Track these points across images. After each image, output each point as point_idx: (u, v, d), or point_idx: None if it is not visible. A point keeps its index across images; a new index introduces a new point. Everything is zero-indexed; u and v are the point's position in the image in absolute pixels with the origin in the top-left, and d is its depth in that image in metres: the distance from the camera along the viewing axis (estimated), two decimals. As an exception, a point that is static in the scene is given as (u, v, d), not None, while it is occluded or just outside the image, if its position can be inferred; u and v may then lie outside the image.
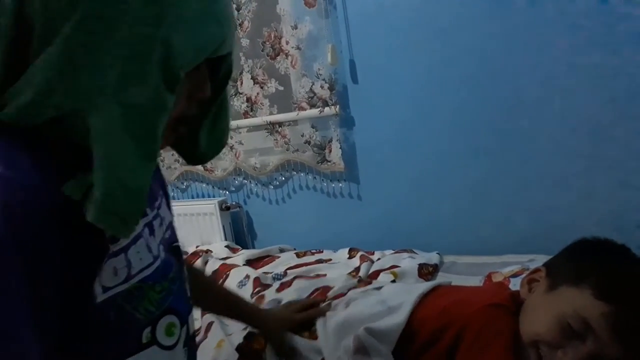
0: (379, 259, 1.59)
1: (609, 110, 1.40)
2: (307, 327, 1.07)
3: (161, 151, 0.67)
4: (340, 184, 1.89)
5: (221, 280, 1.58)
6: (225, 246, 1.98)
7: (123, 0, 0.43)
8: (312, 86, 1.79)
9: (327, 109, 1.77)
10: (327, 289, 1.19)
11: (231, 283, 1.53)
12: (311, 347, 1.02)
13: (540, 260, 1.27)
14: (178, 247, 0.68)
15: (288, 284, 1.31)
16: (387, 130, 1.74)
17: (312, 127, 1.84)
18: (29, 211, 0.42)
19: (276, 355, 1.03)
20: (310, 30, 1.75)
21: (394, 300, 0.99)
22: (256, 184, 2.10)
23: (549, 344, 0.80)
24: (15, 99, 0.45)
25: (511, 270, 1.33)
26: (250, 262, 1.73)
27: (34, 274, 0.43)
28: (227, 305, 1.02)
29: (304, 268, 1.59)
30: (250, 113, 1.98)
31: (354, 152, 1.83)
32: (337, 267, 1.58)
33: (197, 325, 1.37)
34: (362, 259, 1.59)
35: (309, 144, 1.86)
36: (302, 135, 1.87)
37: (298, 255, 1.75)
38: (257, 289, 1.41)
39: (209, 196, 2.25)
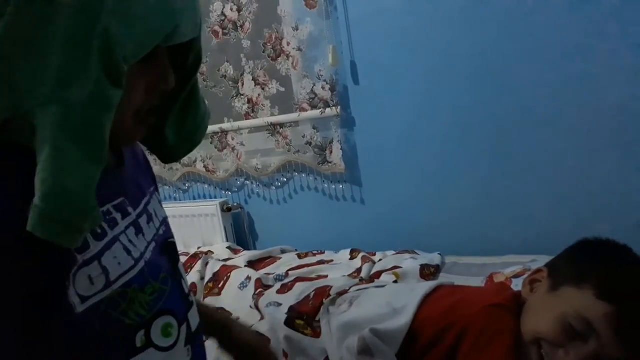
0: (380, 259, 1.59)
1: (614, 112, 1.40)
2: (309, 323, 1.08)
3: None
4: (342, 185, 1.89)
5: (222, 282, 1.57)
6: (227, 247, 1.98)
7: None
8: (313, 87, 1.79)
9: (328, 110, 1.77)
10: (328, 287, 1.19)
11: (232, 285, 1.53)
12: (314, 344, 1.02)
13: (542, 261, 1.26)
14: (173, 243, 0.66)
15: (289, 286, 1.31)
16: (389, 131, 1.74)
17: (314, 128, 1.84)
18: None
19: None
20: (311, 31, 1.75)
21: (398, 301, 0.99)
22: (257, 185, 2.10)
23: (551, 343, 0.80)
24: None
25: (513, 271, 1.33)
26: (251, 263, 1.73)
27: None
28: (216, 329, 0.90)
29: (305, 269, 1.59)
30: (252, 114, 1.98)
31: (355, 153, 1.83)
32: (339, 268, 1.58)
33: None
34: (364, 260, 1.59)
35: (310, 145, 1.87)
36: (304, 137, 1.87)
37: (299, 257, 1.75)
38: (258, 290, 1.41)
39: (210, 197, 2.25)
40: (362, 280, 1.33)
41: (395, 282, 1.37)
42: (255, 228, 2.16)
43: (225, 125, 2.04)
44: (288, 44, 1.80)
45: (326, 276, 1.49)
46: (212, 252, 1.95)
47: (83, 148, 0.42)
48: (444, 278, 1.44)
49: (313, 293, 1.18)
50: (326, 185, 1.92)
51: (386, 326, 0.92)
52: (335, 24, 1.73)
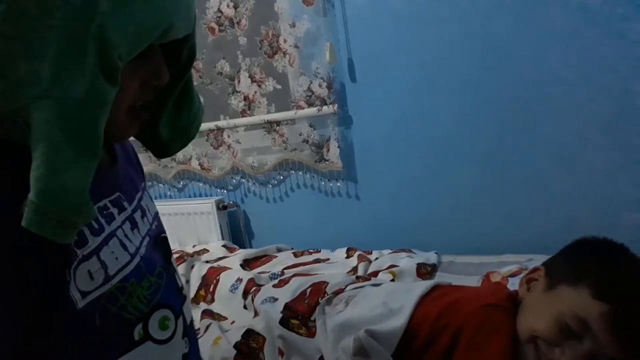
0: (376, 258, 1.58)
1: (610, 111, 1.40)
2: (304, 322, 1.07)
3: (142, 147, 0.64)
4: (338, 183, 1.88)
5: (212, 287, 1.53)
6: (223, 245, 1.97)
7: None
8: (310, 85, 1.78)
9: (325, 107, 1.76)
10: (324, 283, 1.19)
11: (222, 288, 1.49)
12: (308, 344, 1.01)
13: (538, 260, 1.26)
14: (165, 238, 0.67)
15: (286, 280, 1.30)
16: (386, 129, 1.74)
17: (310, 125, 1.83)
18: None
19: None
20: (308, 28, 1.74)
21: (394, 301, 0.99)
22: (254, 183, 2.09)
23: (547, 341, 0.80)
24: None
25: (509, 270, 1.33)
26: (247, 262, 1.72)
27: None
28: None
29: (301, 267, 1.58)
30: (248, 112, 1.97)
31: (352, 151, 1.82)
32: (335, 267, 1.58)
33: (195, 326, 1.36)
34: (360, 258, 1.58)
35: (306, 143, 1.86)
36: (300, 134, 1.86)
37: (295, 255, 1.74)
38: (253, 288, 1.39)
39: (206, 195, 2.24)
40: (358, 278, 1.33)
41: (393, 280, 1.37)
42: (251, 226, 2.15)
43: (221, 123, 2.03)
44: (285, 41, 1.79)
45: (322, 274, 1.48)
46: (208, 250, 1.94)
47: (78, 145, 0.43)
48: (440, 277, 1.43)
49: (309, 290, 1.18)
50: (323, 183, 1.92)
51: (382, 327, 0.92)
52: (332, 21, 1.72)
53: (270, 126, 1.92)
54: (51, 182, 0.42)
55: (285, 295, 1.19)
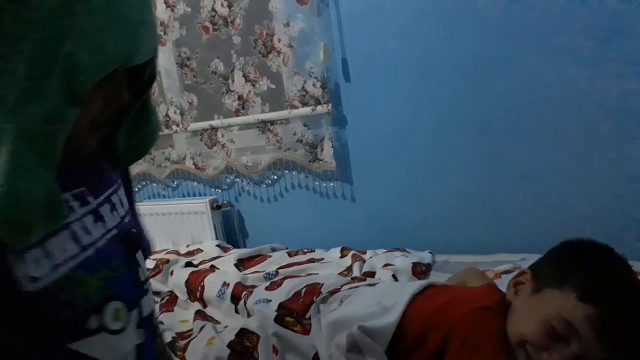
0: (371, 257, 1.59)
1: (605, 110, 1.41)
2: (299, 320, 1.07)
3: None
4: (332, 183, 1.88)
5: (199, 293, 1.48)
6: (216, 245, 1.96)
7: (27, 17, 0.43)
8: (304, 84, 1.78)
9: (319, 107, 1.76)
10: (319, 284, 1.19)
11: (209, 294, 1.45)
12: (303, 341, 1.02)
13: (531, 259, 1.26)
14: (134, 233, 0.69)
15: (278, 283, 1.30)
16: (380, 128, 1.74)
17: (304, 125, 1.83)
18: None
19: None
20: (302, 28, 1.74)
21: (388, 299, 0.99)
22: (248, 183, 2.08)
23: (535, 346, 0.80)
24: None
25: (502, 269, 1.33)
26: (241, 262, 1.72)
27: None
28: None
29: (295, 267, 1.58)
30: (242, 111, 1.96)
31: (346, 151, 1.83)
32: (329, 267, 1.58)
33: (189, 327, 1.35)
34: (354, 258, 1.58)
35: (301, 143, 1.85)
36: (294, 134, 1.86)
37: (290, 255, 1.74)
38: (244, 292, 1.37)
39: (199, 195, 2.23)
40: (353, 279, 1.33)
41: (394, 276, 1.37)
42: (245, 226, 2.15)
43: (215, 122, 2.02)
44: (279, 40, 1.79)
45: (316, 274, 1.48)
46: (202, 250, 1.94)
47: (38, 160, 0.46)
48: (434, 276, 1.44)
49: (304, 290, 1.18)
50: (317, 183, 1.92)
51: (374, 324, 0.93)
52: (326, 20, 1.72)
53: (264, 126, 1.92)
54: (10, 191, 0.44)
55: (279, 296, 1.19)
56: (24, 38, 0.44)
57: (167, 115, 2.16)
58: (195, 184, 2.24)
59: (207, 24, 1.96)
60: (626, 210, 1.42)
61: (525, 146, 1.53)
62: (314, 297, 1.10)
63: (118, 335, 0.60)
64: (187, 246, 2.03)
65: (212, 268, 1.65)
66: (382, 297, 1.01)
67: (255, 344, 1.10)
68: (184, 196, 2.28)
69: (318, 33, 1.72)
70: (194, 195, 2.25)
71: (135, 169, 2.27)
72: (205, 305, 1.47)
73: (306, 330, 1.04)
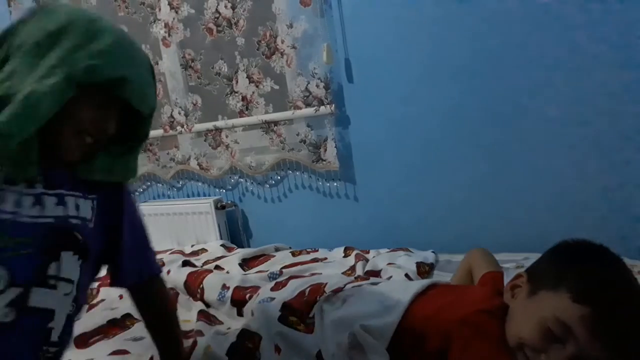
0: (374, 257, 1.59)
1: (608, 108, 1.41)
2: (302, 319, 1.08)
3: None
4: (336, 183, 1.89)
5: (199, 295, 1.46)
6: (221, 245, 1.97)
7: (58, 40, 0.73)
8: (307, 85, 1.79)
9: (322, 108, 1.77)
10: (323, 284, 1.19)
11: (209, 297, 1.43)
12: (306, 340, 1.02)
13: (534, 258, 1.26)
14: (74, 235, 0.77)
15: (283, 283, 1.30)
16: (383, 129, 1.75)
17: (308, 126, 1.84)
18: None
19: None
20: (305, 29, 1.75)
21: (390, 298, 0.99)
22: (252, 183, 2.10)
23: (532, 348, 0.80)
24: None
25: (505, 268, 1.33)
26: (245, 261, 1.73)
27: None
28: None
29: (299, 267, 1.58)
30: (246, 112, 1.97)
31: (350, 151, 1.83)
32: (333, 266, 1.58)
33: (191, 327, 1.34)
34: (358, 257, 1.59)
35: (304, 143, 1.86)
36: (298, 134, 1.87)
37: (293, 254, 1.75)
38: (248, 294, 1.35)
39: (204, 195, 2.25)
40: (357, 278, 1.33)
41: (407, 275, 1.37)
42: (249, 226, 2.16)
43: (219, 123, 2.04)
44: (282, 41, 1.80)
45: (320, 274, 1.48)
46: (206, 250, 1.95)
47: (26, 112, 0.68)
48: (437, 276, 1.44)
49: (308, 289, 1.18)
50: (320, 183, 1.92)
51: (376, 322, 0.93)
52: (329, 21, 1.73)
53: (268, 126, 1.93)
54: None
55: (283, 295, 1.20)
56: (52, 50, 0.72)
57: (171, 116, 2.18)
58: (200, 184, 2.25)
59: (211, 25, 1.97)
60: (636, 212, 1.41)
61: (529, 145, 1.53)
62: (318, 297, 1.11)
63: None
64: (192, 246, 2.05)
65: (212, 269, 1.63)
66: (385, 296, 1.02)
67: (257, 345, 1.10)
68: (188, 196, 2.29)
69: (321, 34, 1.72)
70: (199, 195, 2.27)
71: (141, 169, 2.28)
72: (208, 305, 1.47)
73: (309, 330, 1.05)
